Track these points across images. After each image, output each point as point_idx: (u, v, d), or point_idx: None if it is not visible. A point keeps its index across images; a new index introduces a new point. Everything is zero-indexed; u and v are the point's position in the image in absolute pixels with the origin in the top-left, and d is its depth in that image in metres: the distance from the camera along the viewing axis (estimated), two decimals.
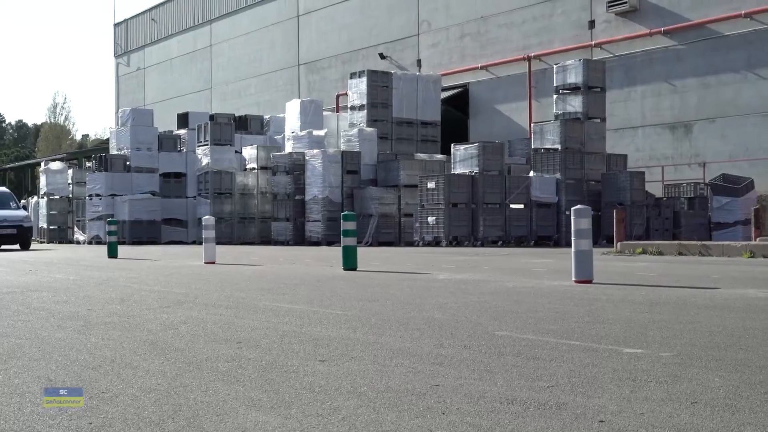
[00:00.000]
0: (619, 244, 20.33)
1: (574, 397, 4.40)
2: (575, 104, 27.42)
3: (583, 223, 11.54)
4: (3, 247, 32.59)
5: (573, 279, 11.43)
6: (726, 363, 5.26)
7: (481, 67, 37.73)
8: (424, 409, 4.19)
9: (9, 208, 33.20)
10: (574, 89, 27.57)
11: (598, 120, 27.82)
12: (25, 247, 31.81)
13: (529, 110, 35.72)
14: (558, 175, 26.77)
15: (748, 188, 26.99)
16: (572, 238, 11.56)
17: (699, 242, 20.01)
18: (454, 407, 4.22)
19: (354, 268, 14.70)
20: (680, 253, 18.70)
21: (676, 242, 20.80)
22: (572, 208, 11.80)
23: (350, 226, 15.14)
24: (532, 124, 30.15)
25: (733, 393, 4.42)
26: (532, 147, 27.95)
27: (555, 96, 28.19)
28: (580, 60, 27.98)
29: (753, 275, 12.47)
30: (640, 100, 32.20)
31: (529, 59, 35.71)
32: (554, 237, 26.88)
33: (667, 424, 3.83)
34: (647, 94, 32.04)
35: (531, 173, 27.38)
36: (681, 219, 27.07)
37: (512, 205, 26.73)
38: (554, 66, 28.92)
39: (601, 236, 25.25)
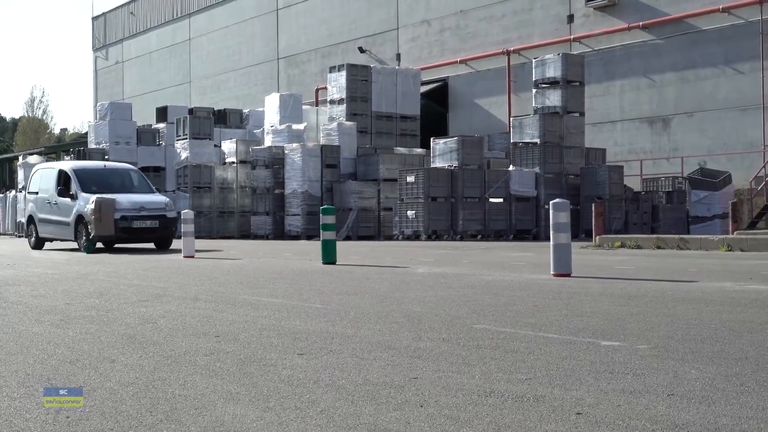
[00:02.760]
0: (597, 237, 20.40)
1: (551, 390, 4.42)
2: (554, 98, 27.45)
3: (561, 216, 11.58)
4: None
5: (552, 272, 11.46)
6: (702, 355, 5.30)
7: (461, 61, 37.73)
8: (403, 402, 4.20)
9: (142, 191, 23.62)
10: (553, 83, 27.60)
11: (577, 114, 27.87)
12: (166, 245, 22.92)
13: (509, 104, 35.75)
14: (537, 169, 26.81)
15: (726, 182, 27.13)
16: (551, 232, 11.59)
17: (677, 236, 20.10)
18: (432, 400, 4.24)
19: (333, 262, 14.70)
20: (658, 247, 18.78)
21: (654, 236, 20.89)
22: (551, 202, 11.83)
23: (329, 220, 15.13)
24: (511, 118, 30.15)
25: (709, 385, 4.45)
26: (512, 141, 27.97)
27: (534, 90, 28.21)
28: (559, 54, 28.01)
29: (730, 269, 12.54)
30: (619, 94, 32.29)
31: (508, 53, 35.74)
32: (533, 231, 26.94)
33: (644, 415, 3.86)
34: (626, 89, 32.14)
35: (510, 167, 27.41)
36: (659, 213, 27.18)
37: (491, 199, 26.75)
38: (533, 60, 28.95)
39: (580, 230, 25.33)
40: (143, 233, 22.23)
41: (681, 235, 20.52)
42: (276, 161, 31.19)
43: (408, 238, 26.15)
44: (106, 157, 37.84)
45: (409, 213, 26.07)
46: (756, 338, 5.93)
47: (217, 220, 34.77)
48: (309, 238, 28.21)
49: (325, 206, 15.64)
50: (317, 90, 42.83)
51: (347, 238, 27.58)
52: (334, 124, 31.72)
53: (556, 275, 11.34)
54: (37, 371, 5.16)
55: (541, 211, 26.08)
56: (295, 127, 32.96)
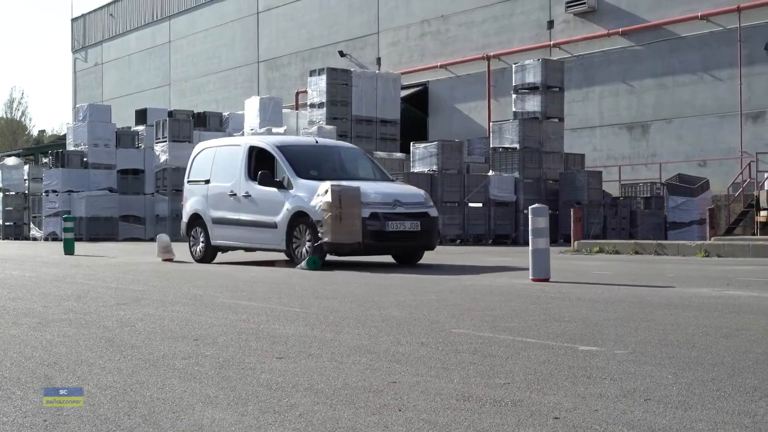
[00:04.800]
0: (576, 242, 20.48)
1: (529, 394, 4.44)
2: (534, 104, 27.55)
3: (540, 221, 11.63)
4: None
5: (530, 277, 11.50)
6: (679, 360, 5.33)
7: (441, 66, 37.80)
8: (381, 406, 4.21)
9: (375, 177, 16.72)
10: (532, 89, 27.70)
11: (557, 119, 27.99)
12: (416, 258, 16.11)
13: (488, 109, 35.85)
14: (516, 174, 26.90)
15: (704, 188, 27.29)
16: (530, 237, 11.63)
17: (655, 241, 20.21)
18: (411, 404, 4.24)
19: (317, 267, 14.67)
20: (636, 252, 18.87)
21: (632, 241, 20.99)
22: (530, 207, 11.88)
23: None
24: (491, 123, 30.24)
25: (686, 390, 4.48)
26: (491, 146, 28.06)
27: (514, 95, 28.31)
28: (538, 60, 28.12)
29: (707, 274, 12.62)
30: (598, 100, 32.43)
31: (488, 58, 35.83)
32: (512, 235, 27.01)
33: (621, 420, 3.88)
34: (605, 94, 32.28)
35: (490, 172, 27.49)
36: (637, 218, 27.31)
37: (471, 204, 26.82)
38: (513, 65, 29.05)
39: (559, 235, 25.43)
40: (400, 240, 15.06)
41: (659, 241, 20.63)
42: None
43: None
44: (85, 159, 37.64)
45: None
46: (732, 344, 5.97)
47: None
48: None
49: None
50: (297, 93, 42.81)
51: None
52: (314, 128, 31.70)
53: (534, 280, 11.37)
54: (14, 374, 5.13)
55: (520, 215, 26.18)
56: (275, 130, 32.89)
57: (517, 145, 26.96)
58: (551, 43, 33.65)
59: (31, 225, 41.36)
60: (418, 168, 27.11)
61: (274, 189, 15.61)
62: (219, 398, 4.42)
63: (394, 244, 15.17)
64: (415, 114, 38.40)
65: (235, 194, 16.45)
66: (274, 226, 15.45)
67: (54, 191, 37.64)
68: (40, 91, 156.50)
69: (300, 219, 15.04)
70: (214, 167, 17.33)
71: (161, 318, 7.76)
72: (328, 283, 11.71)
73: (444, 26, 37.77)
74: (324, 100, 32.58)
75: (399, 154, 32.12)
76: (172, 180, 34.66)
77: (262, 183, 15.76)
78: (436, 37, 38.15)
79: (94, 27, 63.55)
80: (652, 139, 30.88)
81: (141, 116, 40.88)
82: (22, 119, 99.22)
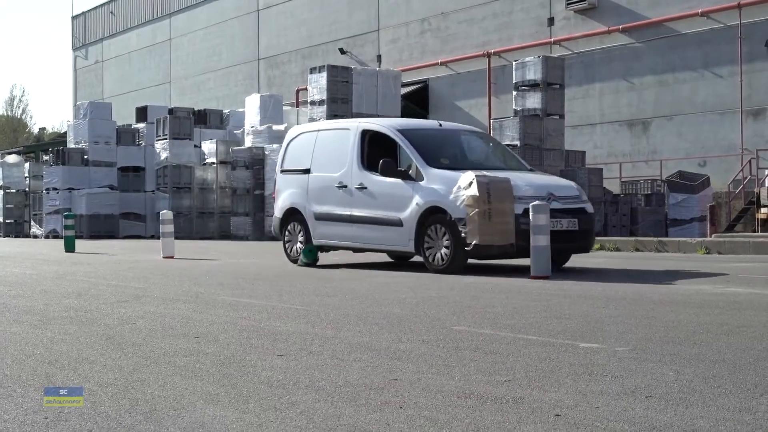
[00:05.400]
0: None
1: (530, 391, 4.44)
2: (534, 101, 27.49)
3: (540, 219, 11.60)
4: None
5: (531, 274, 11.50)
6: (680, 357, 5.33)
7: (441, 63, 37.76)
8: (382, 404, 4.21)
9: (511, 167, 14.35)
10: (533, 86, 27.63)
11: (557, 116, 27.91)
12: (583, 251, 13.90)
13: (489, 106, 35.80)
14: None
15: (704, 185, 27.25)
16: (530, 234, 11.61)
17: (655, 238, 20.20)
18: (412, 401, 4.25)
19: (314, 264, 14.69)
20: (637, 249, 18.86)
21: (633, 238, 20.97)
22: (530, 205, 11.80)
23: None
24: (491, 121, 30.20)
25: (687, 387, 4.48)
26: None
27: (514, 92, 28.23)
28: (539, 57, 28.05)
29: (708, 271, 12.61)
30: (599, 97, 32.39)
31: (488, 55, 35.79)
32: None
33: (622, 417, 3.88)
34: (605, 91, 32.24)
35: None
36: (638, 215, 27.27)
37: None
38: (514, 63, 28.98)
39: None
40: (556, 240, 12.23)
41: (659, 238, 20.62)
42: (256, 162, 31.13)
43: None
44: (86, 156, 37.62)
45: None
46: (733, 340, 5.97)
47: (197, 220, 34.67)
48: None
49: None
50: (298, 91, 42.77)
51: None
52: None
53: (534, 277, 11.37)
54: (15, 372, 5.13)
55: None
56: (275, 127, 32.92)
57: (517, 142, 26.90)
58: (551, 40, 33.61)
59: (32, 222, 41.34)
60: None
61: (399, 180, 13.29)
62: (220, 396, 4.42)
63: (551, 245, 12.02)
64: (416, 111, 38.36)
65: (345, 186, 14.11)
66: (398, 223, 13.20)
67: (55, 189, 37.63)
68: (41, 89, 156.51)
69: (432, 216, 12.79)
70: (316, 154, 14.94)
71: (162, 315, 7.77)
72: (328, 280, 11.71)
73: (444, 23, 37.73)
74: (324, 97, 32.51)
75: None
76: (173, 177, 34.66)
77: (384, 173, 13.42)
78: (436, 35, 38.11)
79: (94, 24, 63.52)
80: (652, 136, 30.84)
81: (141, 114, 40.85)
82: (23, 117, 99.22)
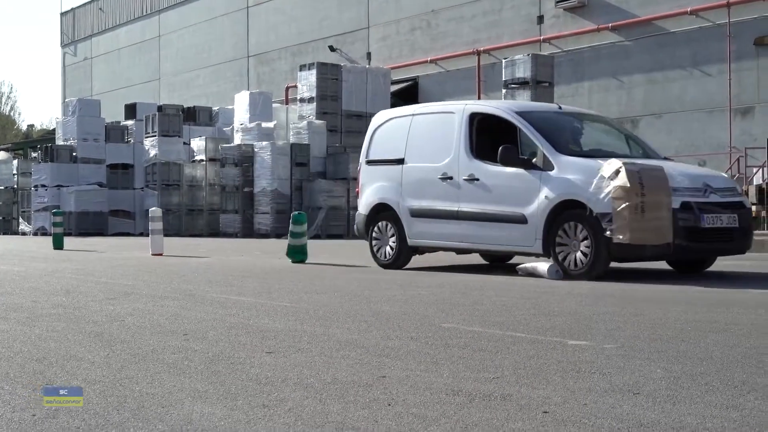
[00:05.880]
0: None
1: (518, 389, 4.45)
2: (524, 98, 27.55)
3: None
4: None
5: (518, 272, 11.52)
6: (668, 354, 5.34)
7: (431, 61, 37.79)
8: (371, 401, 4.21)
9: (656, 156, 12.56)
10: (522, 84, 27.69)
11: None
12: (740, 253, 11.83)
13: None
14: None
15: None
16: None
17: None
18: (400, 398, 4.25)
19: (303, 261, 14.68)
20: None
21: None
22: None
23: (299, 229, 14.94)
24: None
25: (675, 384, 4.49)
26: None
27: (504, 90, 28.29)
28: (528, 55, 28.11)
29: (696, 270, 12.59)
30: (588, 95, 32.44)
31: (478, 53, 35.82)
32: None
33: (609, 414, 3.89)
34: (595, 89, 32.30)
35: None
36: None
37: None
38: (503, 60, 29.05)
39: None
40: (715, 240, 11.07)
41: None
42: (245, 159, 31.11)
43: None
44: (74, 153, 37.50)
45: None
46: (721, 338, 5.99)
47: (186, 218, 34.64)
48: (278, 236, 28.14)
49: (297, 213, 15.42)
50: (287, 88, 42.75)
51: (316, 236, 27.54)
52: (304, 123, 31.69)
53: (524, 275, 11.38)
54: (2, 369, 5.12)
55: None
56: (264, 125, 32.90)
57: None
58: (541, 38, 33.65)
59: (20, 220, 41.25)
60: None
61: (521, 170, 11.50)
62: (208, 393, 4.42)
63: (710, 246, 11.14)
64: None
65: (450, 178, 12.37)
66: (521, 220, 11.41)
67: (43, 186, 37.55)
68: (30, 86, 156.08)
69: (567, 212, 11.02)
70: (412, 142, 13.15)
71: (150, 313, 7.75)
72: (317, 278, 11.71)
73: (434, 21, 37.75)
74: (314, 94, 32.53)
75: None
76: (162, 175, 34.62)
77: (504, 161, 11.60)
78: (426, 32, 38.13)
79: (83, 21, 63.35)
80: (641, 134, 30.82)
81: (130, 111, 40.78)
82: (11, 114, 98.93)
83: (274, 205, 29.52)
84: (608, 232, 10.40)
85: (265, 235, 29.30)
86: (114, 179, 38.04)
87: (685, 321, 6.86)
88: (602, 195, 10.50)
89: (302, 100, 33.27)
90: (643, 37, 30.77)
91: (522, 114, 12.09)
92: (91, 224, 36.46)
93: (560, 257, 10.98)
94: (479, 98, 35.60)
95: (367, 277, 11.70)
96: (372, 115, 31.36)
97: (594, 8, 32.08)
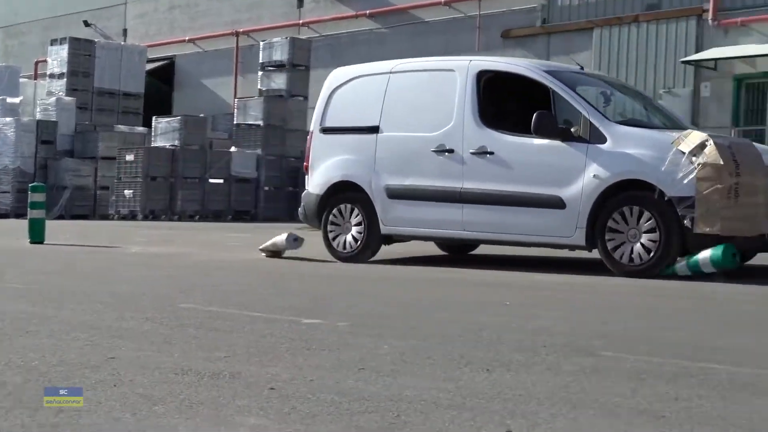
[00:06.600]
0: None
1: (248, 367, 4.48)
2: (280, 81, 27.68)
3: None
4: None
5: (262, 253, 11.55)
6: (396, 331, 5.53)
7: (189, 40, 37.23)
8: (96, 382, 4.13)
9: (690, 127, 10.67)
10: (279, 66, 27.82)
11: (302, 98, 28.21)
12: None
13: (235, 85, 35.65)
14: (259, 151, 26.94)
15: None
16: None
17: None
18: (128, 379, 4.19)
19: (41, 241, 14.09)
20: None
21: None
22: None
23: (38, 198, 14.43)
24: (236, 100, 30.13)
25: (399, 359, 4.66)
26: (235, 122, 27.97)
27: (260, 72, 28.32)
28: (286, 38, 28.24)
29: (423, 250, 12.67)
30: None
31: (237, 35, 35.60)
32: (252, 212, 27.06)
33: (334, 389, 3.99)
34: None
35: (232, 148, 27.39)
36: None
37: (212, 180, 26.62)
38: (261, 43, 29.04)
39: (298, 212, 25.62)
40: None
41: None
42: None
43: (124, 218, 25.55)
44: None
45: (127, 192, 25.50)
46: (447, 315, 6.27)
47: None
48: (18, 216, 26.88)
49: (35, 184, 14.91)
50: (37, 63, 40.97)
51: (60, 217, 26.54)
52: (53, 99, 30.50)
53: (269, 256, 11.43)
54: None
55: (261, 192, 26.33)
56: (9, 100, 31.40)
57: (261, 122, 27.00)
58: (300, 22, 33.80)
59: None
60: (159, 142, 26.63)
61: (556, 142, 9.33)
62: None
63: None
64: (161, 88, 37.65)
65: (449, 150, 9.98)
66: (556, 204, 9.25)
67: None
68: None
69: (623, 193, 8.98)
70: (390, 105, 10.63)
71: None
72: (56, 258, 11.33)
73: (194, 0, 37.21)
74: (65, 70, 31.39)
75: (141, 129, 31.36)
76: None
77: (540, 131, 9.32)
78: (185, 11, 37.50)
79: None
80: None
81: None
82: None
83: (16, 184, 28.17)
84: (687, 221, 8.49)
85: (4, 215, 27.99)
86: None
87: (417, 299, 7.13)
88: (680, 174, 8.57)
89: (52, 76, 32.02)
90: (399, 25, 31.51)
91: (552, 73, 9.93)
92: None
93: (612, 251, 8.93)
94: (236, 80, 35.44)
95: (108, 258, 11.46)
96: (125, 93, 30.52)
97: None
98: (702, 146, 8.50)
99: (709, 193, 8.36)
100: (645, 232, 8.70)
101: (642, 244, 8.71)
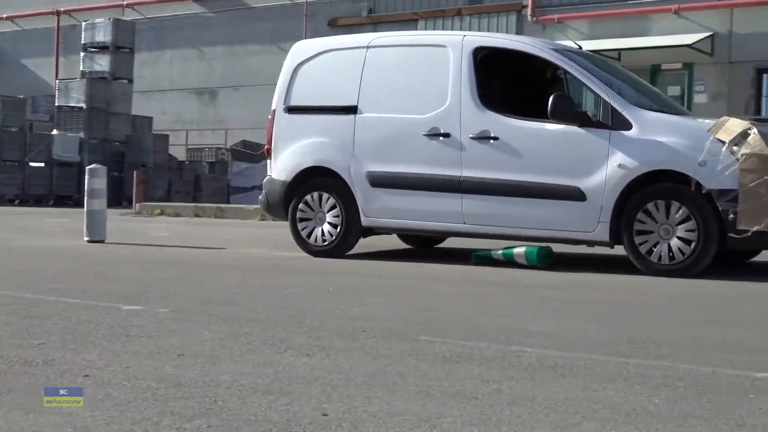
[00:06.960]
0: (138, 205, 20.40)
1: (63, 354, 4.40)
2: (103, 63, 27.00)
3: (97, 183, 11.52)
4: None
5: (86, 239, 11.30)
6: (218, 317, 5.52)
7: (7, 18, 35.90)
8: None
9: (685, 112, 11.39)
10: (102, 48, 27.14)
11: (126, 81, 27.61)
12: None
13: (56, 67, 34.57)
14: (82, 135, 26.23)
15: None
16: (85, 198, 11.49)
17: (215, 205, 20.64)
18: None
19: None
20: (197, 215, 19.16)
21: (193, 204, 21.31)
22: (87, 168, 11.69)
23: None
24: (57, 81, 29.21)
25: (219, 345, 4.65)
26: (57, 104, 27.14)
27: (83, 54, 27.56)
28: (109, 19, 27.57)
29: (258, 236, 13.05)
30: (169, 63, 32.35)
31: (58, 14, 34.53)
32: (75, 197, 26.30)
33: (151, 375, 3.96)
34: (176, 59, 32.27)
35: (54, 131, 26.58)
36: (202, 182, 27.65)
37: (32, 163, 25.79)
38: (83, 23, 28.26)
39: (124, 197, 25.09)
40: None
41: (218, 205, 21.08)
42: None
43: None
44: None
45: None
46: (271, 301, 6.30)
47: None
48: None
49: None
50: None
51: None
52: None
53: (90, 241, 11.20)
54: None
55: (84, 176, 25.62)
56: None
57: (83, 105, 26.28)
58: (124, 3, 33.05)
59: None
60: None
61: (574, 128, 8.50)
62: None
63: None
64: None
65: (445, 135, 9.02)
66: (576, 195, 8.44)
67: None
68: None
69: (652, 186, 8.21)
70: (370, 83, 9.60)
71: None
72: None
73: None
74: None
75: None
76: None
77: (557, 115, 8.48)
78: None
79: None
80: (220, 105, 31.35)
81: None
82: None
83: None
84: (731, 216, 7.78)
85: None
86: None
87: (239, 285, 7.12)
88: (721, 166, 7.85)
89: None
90: (225, 10, 31.21)
91: (562, 52, 9.13)
92: None
93: (641, 248, 8.17)
94: (57, 61, 34.36)
95: None
96: None
97: None
98: (744, 135, 7.83)
99: (755, 186, 7.69)
100: (677, 227, 7.99)
101: (680, 240, 7.98)
